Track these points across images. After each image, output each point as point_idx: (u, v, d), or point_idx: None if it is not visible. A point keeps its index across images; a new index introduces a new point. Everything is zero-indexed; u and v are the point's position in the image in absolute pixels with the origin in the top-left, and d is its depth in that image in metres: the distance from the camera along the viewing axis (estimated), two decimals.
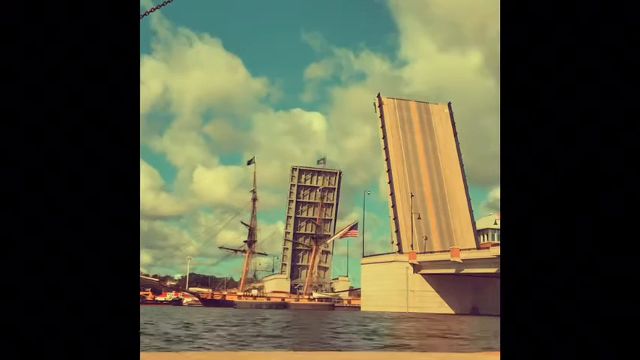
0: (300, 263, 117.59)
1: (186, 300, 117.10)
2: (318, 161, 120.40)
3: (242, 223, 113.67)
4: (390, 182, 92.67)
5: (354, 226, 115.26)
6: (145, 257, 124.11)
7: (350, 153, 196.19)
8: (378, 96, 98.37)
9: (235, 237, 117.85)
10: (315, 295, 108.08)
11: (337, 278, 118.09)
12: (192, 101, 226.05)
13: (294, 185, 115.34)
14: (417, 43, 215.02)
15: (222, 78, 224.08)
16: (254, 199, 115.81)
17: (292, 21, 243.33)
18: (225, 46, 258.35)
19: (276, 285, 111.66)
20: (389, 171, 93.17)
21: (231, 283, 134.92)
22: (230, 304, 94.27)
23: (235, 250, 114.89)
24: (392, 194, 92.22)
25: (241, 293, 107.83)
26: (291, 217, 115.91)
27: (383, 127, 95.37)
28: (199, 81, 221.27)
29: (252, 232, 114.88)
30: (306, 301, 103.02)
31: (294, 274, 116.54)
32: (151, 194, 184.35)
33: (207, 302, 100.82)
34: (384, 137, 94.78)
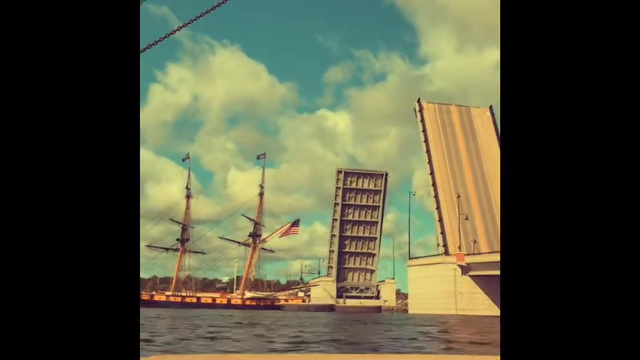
0: (346, 266, 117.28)
1: None
2: (258, 156, 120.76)
3: (171, 220, 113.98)
4: (434, 185, 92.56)
5: (294, 223, 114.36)
6: (190, 261, 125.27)
7: (377, 154, 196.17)
8: (418, 101, 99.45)
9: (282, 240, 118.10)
10: (248, 294, 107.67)
11: (384, 280, 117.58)
12: (218, 108, 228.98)
13: (339, 188, 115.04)
14: (434, 42, 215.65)
15: (246, 84, 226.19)
16: (189, 196, 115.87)
17: (304, 24, 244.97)
18: (246, 52, 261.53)
19: (323, 288, 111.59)
20: (432, 173, 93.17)
21: (277, 286, 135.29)
22: (158, 305, 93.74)
23: (166, 249, 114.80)
24: (436, 196, 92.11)
25: (170, 293, 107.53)
26: (336, 219, 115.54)
27: (424, 130, 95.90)
28: (225, 88, 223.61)
29: (185, 229, 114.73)
30: (239, 302, 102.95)
31: (340, 277, 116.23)
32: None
33: None
34: (426, 141, 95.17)
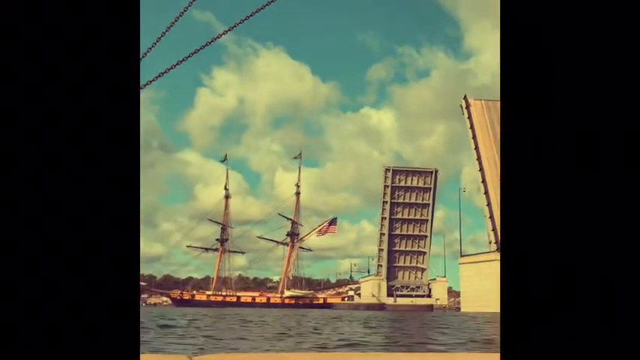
0: (397, 264, 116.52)
1: (154, 300, 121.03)
2: (295, 156, 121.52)
3: (210, 220, 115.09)
4: (484, 181, 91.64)
5: (332, 222, 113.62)
6: (239, 260, 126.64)
7: (424, 151, 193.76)
8: (465, 98, 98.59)
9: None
10: (287, 293, 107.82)
11: (435, 279, 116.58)
12: (263, 110, 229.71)
13: (387, 186, 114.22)
14: (478, 35, 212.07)
15: (290, 85, 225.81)
16: (227, 197, 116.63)
17: (344, 22, 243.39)
18: (290, 54, 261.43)
19: (372, 287, 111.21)
20: (481, 170, 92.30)
21: (327, 285, 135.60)
22: (199, 304, 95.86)
23: (206, 249, 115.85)
24: (486, 193, 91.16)
25: (211, 293, 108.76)
26: (385, 218, 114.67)
27: (472, 127, 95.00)
28: (269, 90, 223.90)
29: (224, 229, 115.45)
30: (278, 300, 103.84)
31: (391, 276, 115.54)
32: (237, 199, 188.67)
33: (178, 302, 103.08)
34: (474, 137, 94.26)
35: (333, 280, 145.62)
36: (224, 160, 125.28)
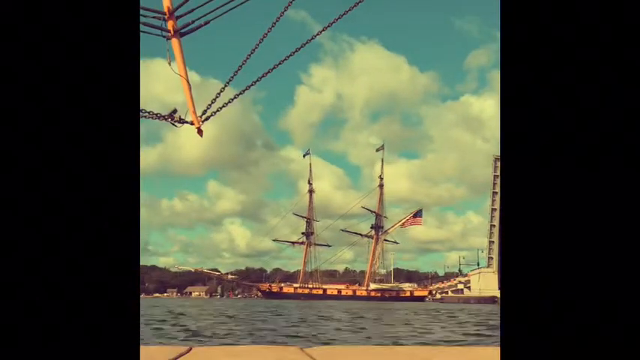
0: None
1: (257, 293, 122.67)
2: (377, 149, 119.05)
3: (295, 214, 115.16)
4: None
5: (417, 214, 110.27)
6: (346, 254, 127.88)
7: None
8: None
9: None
10: (373, 286, 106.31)
11: None
12: (361, 104, 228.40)
13: (497, 176, 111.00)
14: None
15: (387, 77, 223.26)
16: (311, 191, 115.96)
17: (438, 9, 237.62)
18: (385, 46, 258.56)
19: (482, 279, 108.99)
20: None
21: (435, 278, 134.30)
22: (286, 297, 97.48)
23: (293, 243, 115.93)
24: None
25: (298, 285, 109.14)
26: (495, 209, 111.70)
27: None
28: (366, 84, 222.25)
29: (309, 223, 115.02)
30: (364, 293, 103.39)
31: None
32: (339, 193, 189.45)
33: (267, 294, 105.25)
34: None
35: (441, 274, 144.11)
36: (306, 155, 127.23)
